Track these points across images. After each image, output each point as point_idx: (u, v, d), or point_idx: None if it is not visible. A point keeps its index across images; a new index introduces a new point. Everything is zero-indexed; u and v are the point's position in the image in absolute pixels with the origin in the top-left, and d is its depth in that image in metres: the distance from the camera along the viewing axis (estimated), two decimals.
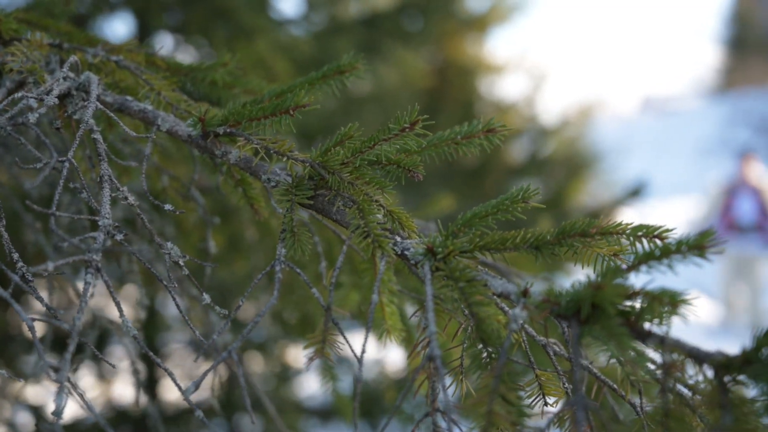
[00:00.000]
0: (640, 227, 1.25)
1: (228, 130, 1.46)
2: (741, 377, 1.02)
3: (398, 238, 1.33)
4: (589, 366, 1.31)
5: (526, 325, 1.41)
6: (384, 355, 5.21)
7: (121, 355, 5.18)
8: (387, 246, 1.29)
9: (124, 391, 5.16)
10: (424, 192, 8.75)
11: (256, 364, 5.50)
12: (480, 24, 12.35)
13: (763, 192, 9.86)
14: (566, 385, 1.34)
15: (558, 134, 14.41)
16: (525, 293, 1.19)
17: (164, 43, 4.53)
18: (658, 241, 1.23)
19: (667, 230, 1.23)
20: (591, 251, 1.30)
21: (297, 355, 5.37)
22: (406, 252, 1.30)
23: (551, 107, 14.59)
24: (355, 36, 5.80)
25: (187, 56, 4.61)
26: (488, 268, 2.03)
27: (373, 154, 1.38)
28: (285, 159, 1.40)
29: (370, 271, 1.64)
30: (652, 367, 1.10)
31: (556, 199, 13.34)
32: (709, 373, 1.05)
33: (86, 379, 4.84)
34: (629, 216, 17.15)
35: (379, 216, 1.36)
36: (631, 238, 1.26)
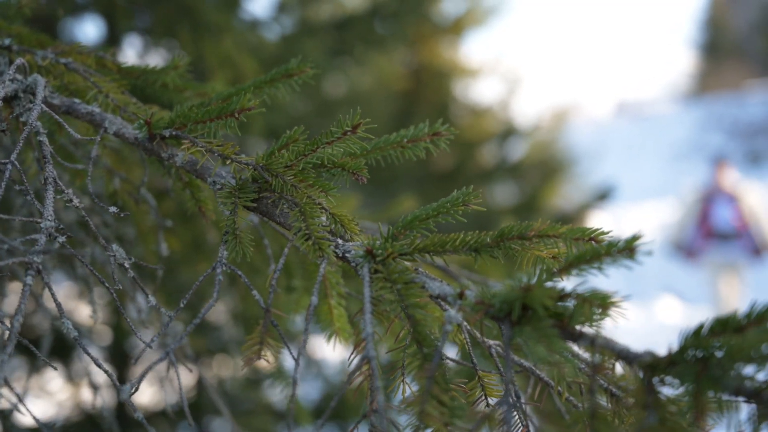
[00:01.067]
0: (576, 230, 1.26)
1: (174, 133, 1.47)
2: (667, 378, 1.03)
3: (340, 241, 1.34)
4: (531, 367, 1.33)
5: (470, 327, 1.42)
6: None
7: (88, 359, 5.15)
8: (327, 248, 1.30)
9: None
10: (395, 195, 8.76)
11: (227, 367, 5.49)
12: (455, 27, 12.39)
13: (739, 198, 9.71)
14: (516, 387, 1.35)
15: (532, 138, 14.49)
16: (461, 295, 1.20)
17: (134, 45, 4.52)
18: (594, 244, 1.24)
19: (602, 233, 1.24)
20: (531, 254, 1.32)
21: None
22: (347, 254, 1.31)
23: (526, 111, 14.65)
24: (326, 39, 5.80)
25: (158, 58, 4.59)
26: (442, 273, 2.05)
27: (316, 157, 1.39)
28: (229, 162, 1.41)
29: (315, 273, 1.66)
30: (582, 367, 1.11)
31: (531, 202, 13.40)
32: (639, 373, 1.07)
33: (55, 381, 4.82)
34: (602, 219, 17.29)
35: (323, 218, 1.37)
36: (568, 241, 1.27)
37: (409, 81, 12.31)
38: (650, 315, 11.32)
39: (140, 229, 2.23)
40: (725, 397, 1.02)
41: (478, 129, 12.47)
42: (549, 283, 1.09)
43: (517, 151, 14.32)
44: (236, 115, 1.43)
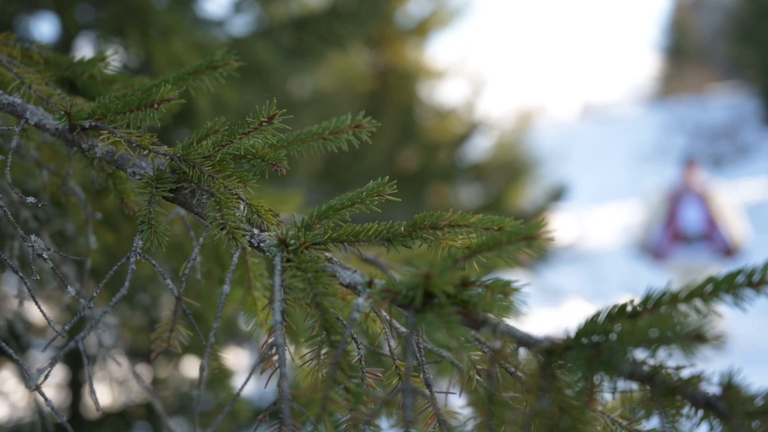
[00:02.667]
0: (486, 220, 1.28)
1: (94, 124, 1.46)
2: (563, 362, 1.05)
3: (256, 231, 1.34)
4: (440, 352, 1.34)
5: (388, 316, 1.43)
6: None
7: (41, 359, 5.10)
8: (241, 238, 1.30)
9: (49, 394, 5.07)
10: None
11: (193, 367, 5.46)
12: (420, 29, 12.41)
13: (708, 199, 9.43)
14: (427, 374, 1.36)
15: (497, 139, 14.55)
16: (370, 284, 1.21)
17: (88, 44, 4.49)
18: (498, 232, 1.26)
19: (509, 222, 1.26)
20: (445, 244, 1.33)
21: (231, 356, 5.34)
22: (261, 244, 1.32)
23: (491, 113, 14.70)
24: (284, 38, 5.78)
25: (113, 58, 4.55)
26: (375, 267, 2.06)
27: (235, 148, 1.39)
28: (147, 152, 1.41)
29: (242, 265, 1.66)
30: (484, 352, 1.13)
31: (495, 203, 13.46)
32: (538, 358, 1.08)
33: (10, 381, 4.76)
34: (565, 220, 17.39)
35: (240, 208, 1.37)
36: (479, 231, 1.28)
37: (375, 82, 12.31)
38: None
39: (78, 223, 2.22)
40: (619, 381, 1.04)
41: (443, 130, 12.51)
42: (447, 269, 1.09)
43: (482, 152, 14.38)
44: (156, 106, 1.43)
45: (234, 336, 4.61)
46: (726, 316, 9.23)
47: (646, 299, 1.08)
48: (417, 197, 11.89)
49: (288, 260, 1.26)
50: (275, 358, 1.18)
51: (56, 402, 5.03)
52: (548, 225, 1.10)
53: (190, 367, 5.41)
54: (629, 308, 1.08)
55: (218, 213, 1.32)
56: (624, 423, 1.24)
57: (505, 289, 1.09)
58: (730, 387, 1.02)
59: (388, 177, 1.37)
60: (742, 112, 25.10)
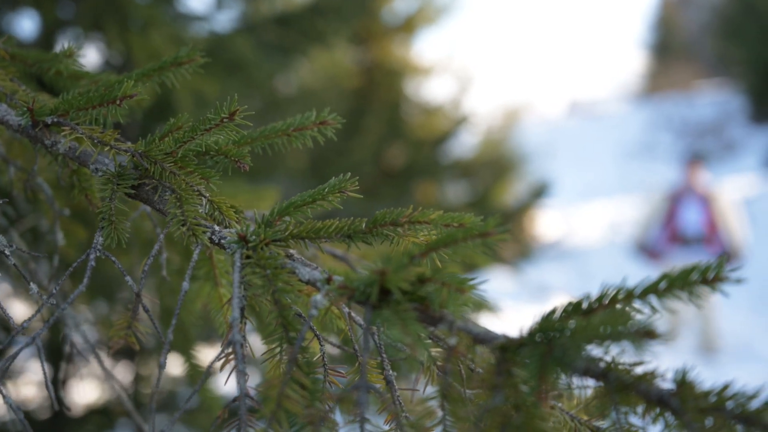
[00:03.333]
0: (446, 216, 1.28)
1: (56, 120, 1.45)
2: (518, 359, 1.05)
3: (217, 227, 1.34)
4: (402, 348, 1.34)
5: (353, 313, 1.43)
6: None
7: (25, 356, 5.09)
8: (201, 234, 1.30)
9: (30, 391, 5.08)
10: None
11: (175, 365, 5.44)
12: (407, 26, 12.40)
13: (711, 200, 9.03)
14: (387, 371, 1.35)
15: (484, 136, 14.56)
16: (329, 280, 1.21)
17: (70, 40, 4.46)
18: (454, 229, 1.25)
19: (469, 219, 1.25)
20: (407, 240, 1.33)
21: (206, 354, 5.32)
22: (222, 241, 1.31)
23: (478, 110, 14.71)
24: (267, 34, 5.77)
25: (94, 54, 4.54)
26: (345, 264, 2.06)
27: (197, 144, 1.39)
28: (108, 149, 1.40)
29: (208, 261, 1.66)
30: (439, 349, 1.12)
31: (482, 200, 13.48)
32: (493, 355, 1.08)
33: None
34: (552, 217, 17.43)
35: (201, 205, 1.37)
36: (439, 227, 1.28)
37: (362, 79, 12.31)
38: None
39: (51, 220, 2.21)
40: (574, 378, 1.04)
41: (430, 127, 12.51)
42: (403, 266, 1.09)
43: (469, 149, 14.39)
44: (118, 102, 1.42)
45: (214, 333, 4.60)
46: (715, 314, 9.19)
47: (602, 296, 1.08)
48: (403, 194, 11.89)
49: (248, 257, 1.25)
50: (233, 355, 1.17)
51: (39, 399, 5.02)
52: (503, 222, 1.10)
53: (175, 364, 5.40)
54: (585, 305, 1.08)
55: (179, 210, 1.32)
56: (584, 420, 1.24)
57: (462, 285, 1.09)
58: (683, 383, 1.03)
59: (350, 174, 1.36)
60: (729, 109, 25.22)
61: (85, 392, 5.43)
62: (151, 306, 1.32)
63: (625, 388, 1.03)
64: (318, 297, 1.17)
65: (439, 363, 1.18)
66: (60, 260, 1.99)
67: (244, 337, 1.27)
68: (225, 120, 1.35)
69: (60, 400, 1.10)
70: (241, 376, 1.14)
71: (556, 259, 15.21)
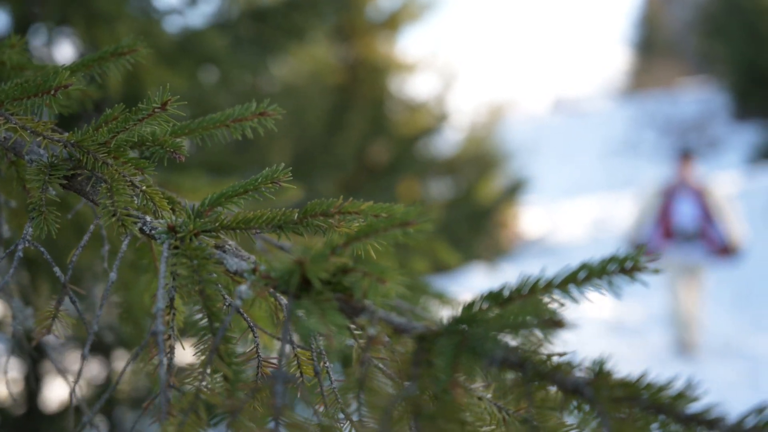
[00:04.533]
0: (376, 207, 1.27)
1: None
2: (434, 349, 1.05)
3: (149, 218, 1.33)
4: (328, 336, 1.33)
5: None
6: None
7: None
8: (131, 225, 1.29)
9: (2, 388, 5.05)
10: (316, 189, 8.76)
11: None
12: (391, 22, 12.39)
13: (705, 194, 8.83)
14: (328, 363, 1.35)
15: (468, 133, 14.58)
16: (254, 271, 1.20)
17: (40, 35, 4.44)
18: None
19: (398, 209, 1.25)
20: (340, 231, 1.32)
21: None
22: (153, 231, 1.31)
23: (462, 107, 14.72)
24: (243, 29, 5.75)
25: (68, 49, 4.51)
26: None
27: (130, 134, 1.38)
28: (41, 138, 1.39)
29: (148, 253, 1.65)
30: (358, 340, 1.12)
31: (466, 197, 13.48)
32: (411, 345, 1.08)
33: None
34: (536, 213, 17.46)
35: (133, 195, 1.36)
36: (370, 217, 1.28)
37: (345, 76, 12.30)
38: (578, 308, 11.43)
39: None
40: (492, 367, 1.04)
41: (414, 124, 12.50)
42: (322, 255, 1.09)
43: (453, 146, 14.40)
44: (53, 92, 1.41)
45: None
46: (698, 313, 9.12)
47: (521, 286, 1.08)
48: (386, 191, 11.89)
49: (176, 247, 1.25)
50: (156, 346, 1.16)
51: (14, 395, 4.99)
52: (426, 211, 1.10)
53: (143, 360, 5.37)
54: (506, 294, 1.08)
55: (109, 200, 1.31)
56: (513, 411, 1.24)
57: (383, 275, 1.09)
58: (600, 373, 1.03)
59: (283, 164, 1.36)
60: (712, 107, 25.37)
61: (59, 388, 5.41)
62: (79, 297, 1.31)
63: (541, 378, 1.03)
64: (243, 287, 1.17)
65: (357, 353, 1.18)
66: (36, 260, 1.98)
67: (173, 328, 1.27)
68: (157, 110, 1.35)
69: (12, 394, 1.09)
70: (163, 367, 1.13)
71: (540, 255, 15.24)
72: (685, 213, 8.82)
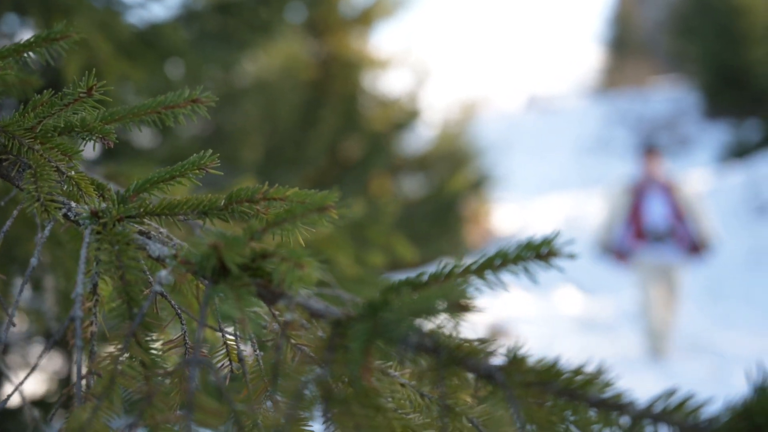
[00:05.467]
0: (301, 194, 1.27)
1: None
2: (348, 334, 1.05)
3: (74, 204, 1.32)
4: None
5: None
6: None
7: None
8: (54, 210, 1.28)
9: None
10: (296, 183, 8.73)
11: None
12: (364, 18, 12.39)
13: (674, 190, 8.50)
14: (258, 351, 1.34)
15: (441, 130, 14.61)
16: (176, 256, 1.19)
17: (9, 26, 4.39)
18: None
19: (323, 195, 1.24)
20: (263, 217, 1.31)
21: None
22: (77, 217, 1.29)
23: (435, 103, 14.73)
24: (209, 23, 5.73)
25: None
26: None
27: (56, 120, 1.37)
28: None
29: (78, 240, 1.63)
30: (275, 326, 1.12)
31: (438, 193, 13.51)
32: (327, 331, 1.08)
33: None
34: (508, 210, 17.50)
35: (59, 181, 1.34)
36: (295, 203, 1.27)
37: (318, 71, 12.28)
38: (550, 305, 11.49)
39: None
40: (407, 352, 1.04)
41: (387, 120, 12.50)
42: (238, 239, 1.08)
43: (426, 142, 14.42)
44: None
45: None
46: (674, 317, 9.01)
47: (439, 271, 1.08)
48: (359, 186, 11.89)
49: (98, 233, 1.23)
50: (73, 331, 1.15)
51: None
52: (341, 197, 1.09)
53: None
54: (423, 279, 1.08)
55: (33, 185, 1.30)
56: (435, 397, 1.24)
57: (300, 260, 1.08)
58: (514, 359, 1.03)
59: (211, 150, 1.35)
60: (683, 105, 25.60)
61: (21, 383, 5.35)
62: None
63: (455, 363, 1.03)
64: (163, 273, 1.16)
65: (272, 338, 1.18)
66: None
67: (95, 314, 1.26)
68: (82, 95, 1.33)
69: None
70: (79, 352, 1.12)
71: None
72: (656, 212, 8.50)
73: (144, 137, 6.23)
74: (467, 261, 1.07)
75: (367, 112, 12.68)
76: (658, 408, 0.97)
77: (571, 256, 1.06)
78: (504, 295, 11.55)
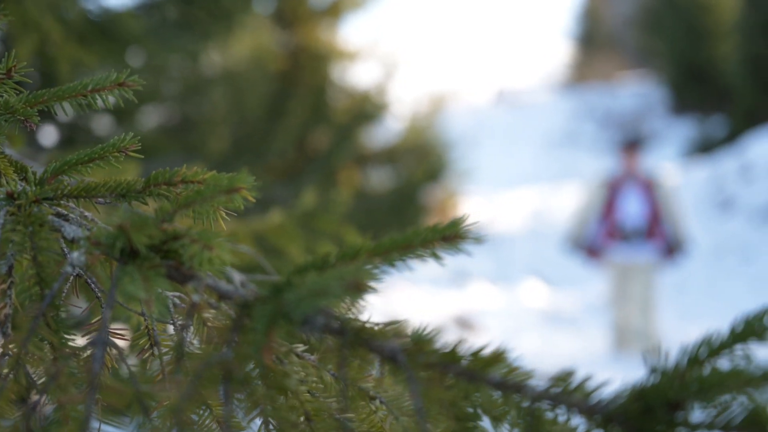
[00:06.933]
0: (218, 177, 1.26)
1: None
2: (253, 315, 1.05)
3: None
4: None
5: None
6: None
7: None
8: None
9: None
10: (261, 175, 8.70)
11: None
12: (333, 10, 12.38)
13: (654, 187, 8.18)
14: (153, 330, 1.34)
15: (410, 123, 14.62)
16: (89, 238, 1.19)
17: None
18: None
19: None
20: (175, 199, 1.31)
21: None
22: None
23: (404, 96, 14.74)
24: (170, 11, 5.70)
25: None
26: None
27: None
28: None
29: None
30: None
31: (406, 186, 13.52)
32: (233, 312, 1.08)
33: None
34: (476, 203, 17.55)
35: None
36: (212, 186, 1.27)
37: (287, 62, 12.25)
38: (515, 298, 11.54)
39: None
40: (314, 333, 1.04)
41: (355, 112, 12.50)
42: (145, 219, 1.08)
43: (394, 135, 14.43)
44: None
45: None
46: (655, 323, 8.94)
47: (344, 252, 1.09)
48: (327, 178, 11.88)
49: (12, 214, 1.23)
50: None
51: None
52: (251, 180, 1.10)
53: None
54: (330, 261, 1.09)
55: None
56: (351, 381, 1.24)
57: (210, 242, 1.08)
58: (419, 340, 1.04)
59: (132, 133, 1.35)
60: (650, 101, 25.88)
61: None
62: None
63: (360, 344, 1.04)
64: (75, 254, 1.16)
65: (180, 320, 1.18)
66: None
67: (10, 296, 1.25)
68: (1, 77, 1.32)
69: None
70: None
71: (479, 245, 15.33)
72: (632, 209, 8.16)
73: (104, 126, 6.19)
74: (373, 243, 1.08)
75: (336, 104, 12.67)
76: (557, 390, 0.99)
77: (478, 240, 1.07)
78: (469, 288, 11.61)
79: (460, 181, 15.36)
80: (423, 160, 14.17)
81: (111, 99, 1.49)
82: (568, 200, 17.39)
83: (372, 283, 0.95)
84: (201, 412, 1.00)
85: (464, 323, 9.56)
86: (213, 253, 1.08)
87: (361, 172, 13.62)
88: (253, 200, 1.14)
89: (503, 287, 11.99)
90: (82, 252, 1.17)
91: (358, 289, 0.95)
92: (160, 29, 5.44)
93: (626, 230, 8.13)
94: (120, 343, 1.34)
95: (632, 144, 8.55)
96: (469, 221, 1.09)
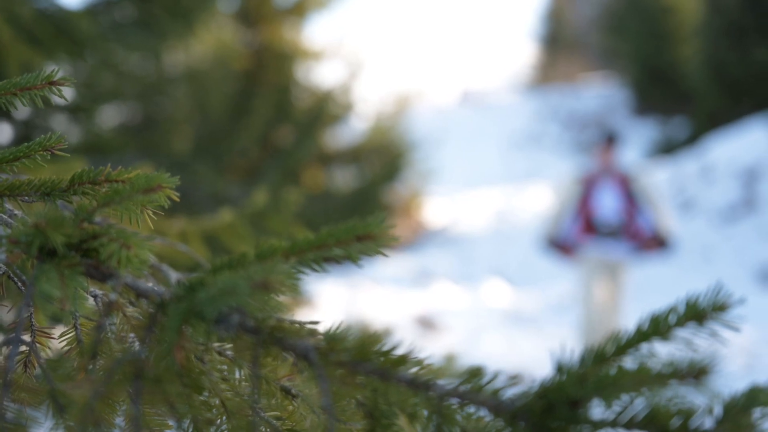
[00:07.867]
0: (140, 176, 1.27)
1: None
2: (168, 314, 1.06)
3: None
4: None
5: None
6: None
7: None
8: None
9: None
10: (224, 172, 8.69)
11: None
12: (298, 9, 12.36)
13: (629, 182, 7.95)
14: (78, 330, 1.34)
15: (374, 123, 14.64)
16: (9, 237, 1.19)
17: None
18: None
19: (161, 178, 1.25)
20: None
21: None
22: None
23: (369, 96, 14.74)
24: (127, 10, 5.66)
25: None
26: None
27: None
28: None
29: None
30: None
31: (370, 185, 13.53)
32: (150, 310, 1.09)
33: None
34: (439, 203, 17.57)
35: None
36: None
37: (250, 61, 12.22)
38: (477, 297, 11.58)
39: None
40: (229, 332, 1.05)
41: (319, 112, 12.49)
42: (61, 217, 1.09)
43: (358, 135, 14.43)
44: None
45: None
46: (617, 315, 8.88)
47: (264, 250, 1.10)
48: (289, 177, 11.86)
49: None
50: None
51: None
52: (173, 180, 1.10)
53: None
54: (246, 260, 1.10)
55: None
56: (286, 383, 1.25)
57: (128, 241, 1.09)
58: (333, 339, 1.05)
59: (59, 132, 1.35)
60: (613, 102, 26.17)
61: None
62: None
63: (274, 342, 1.05)
64: None
65: (97, 318, 1.19)
66: None
67: None
68: None
69: None
70: None
71: (442, 245, 15.40)
72: (607, 204, 7.91)
73: (60, 125, 6.13)
74: (287, 243, 1.09)
75: (300, 103, 12.66)
76: (465, 387, 1.01)
77: (394, 240, 1.09)
78: (432, 287, 11.64)
79: (425, 181, 15.41)
80: (387, 160, 14.20)
81: (67, 96, 1.49)
82: (531, 201, 17.48)
83: (285, 283, 0.96)
84: (113, 410, 1.00)
85: (427, 323, 9.57)
86: (131, 252, 1.09)
87: (325, 172, 13.62)
88: (177, 199, 1.15)
89: (466, 287, 12.02)
90: (2, 250, 1.17)
91: (267, 288, 0.96)
92: (117, 28, 5.41)
93: (601, 226, 7.91)
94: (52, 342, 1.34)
95: (609, 139, 8.28)
96: (385, 223, 1.10)
